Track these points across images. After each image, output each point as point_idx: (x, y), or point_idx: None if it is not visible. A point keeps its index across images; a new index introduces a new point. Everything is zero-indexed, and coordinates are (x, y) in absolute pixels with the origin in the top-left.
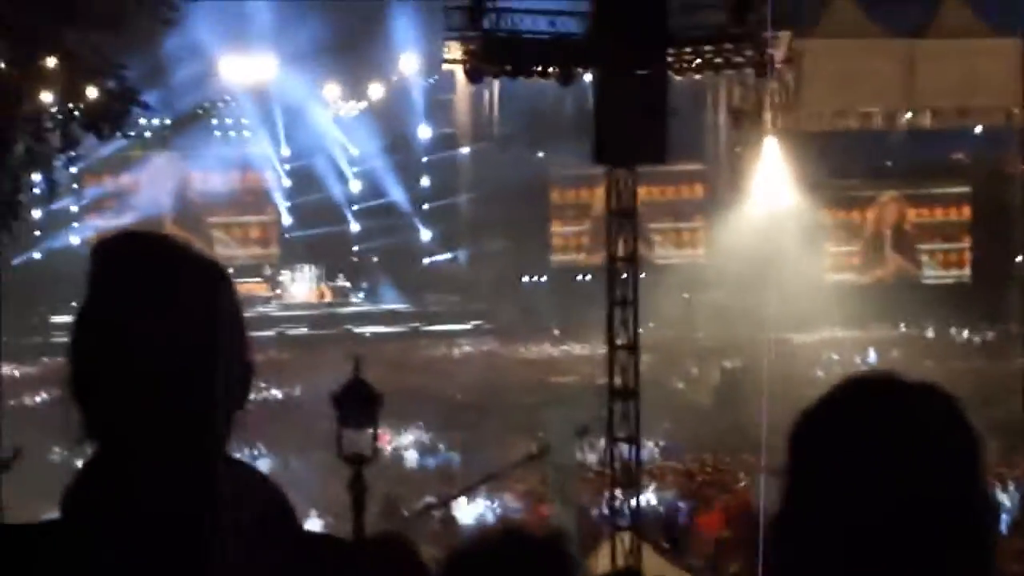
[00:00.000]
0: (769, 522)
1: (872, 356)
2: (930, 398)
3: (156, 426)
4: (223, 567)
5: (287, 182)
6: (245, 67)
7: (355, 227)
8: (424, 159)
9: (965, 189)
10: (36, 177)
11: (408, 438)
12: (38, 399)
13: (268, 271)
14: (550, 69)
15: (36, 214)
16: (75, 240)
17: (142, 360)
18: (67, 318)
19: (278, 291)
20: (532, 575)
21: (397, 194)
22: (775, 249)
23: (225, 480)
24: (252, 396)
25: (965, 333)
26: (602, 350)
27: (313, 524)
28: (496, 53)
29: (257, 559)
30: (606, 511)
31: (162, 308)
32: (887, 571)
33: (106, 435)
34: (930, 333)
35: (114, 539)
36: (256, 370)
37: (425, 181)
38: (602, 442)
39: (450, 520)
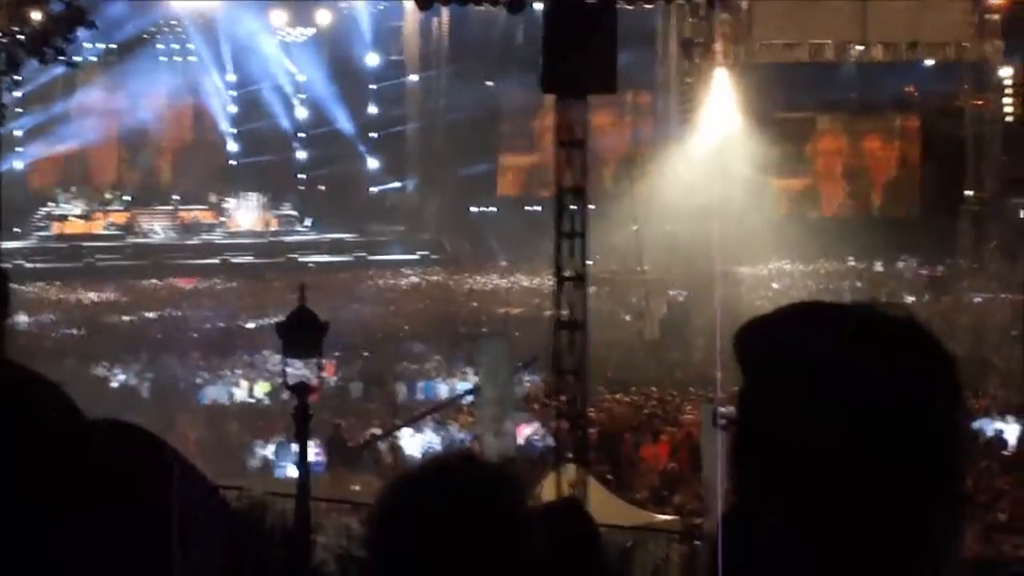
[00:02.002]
0: (731, 442)
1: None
2: (902, 319)
3: None
4: None
5: (233, 109)
6: None
7: (301, 155)
8: (372, 87)
9: (915, 123)
10: None
11: (353, 368)
12: None
13: (213, 198)
14: None
15: None
16: (19, 165)
17: None
18: (10, 244)
19: (223, 219)
20: (483, 498)
21: (344, 122)
22: (724, 181)
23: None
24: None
25: (914, 266)
26: (550, 282)
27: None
28: None
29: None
30: (552, 443)
31: None
32: (851, 485)
33: None
34: (879, 267)
35: None
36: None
37: (372, 109)
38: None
39: (396, 451)
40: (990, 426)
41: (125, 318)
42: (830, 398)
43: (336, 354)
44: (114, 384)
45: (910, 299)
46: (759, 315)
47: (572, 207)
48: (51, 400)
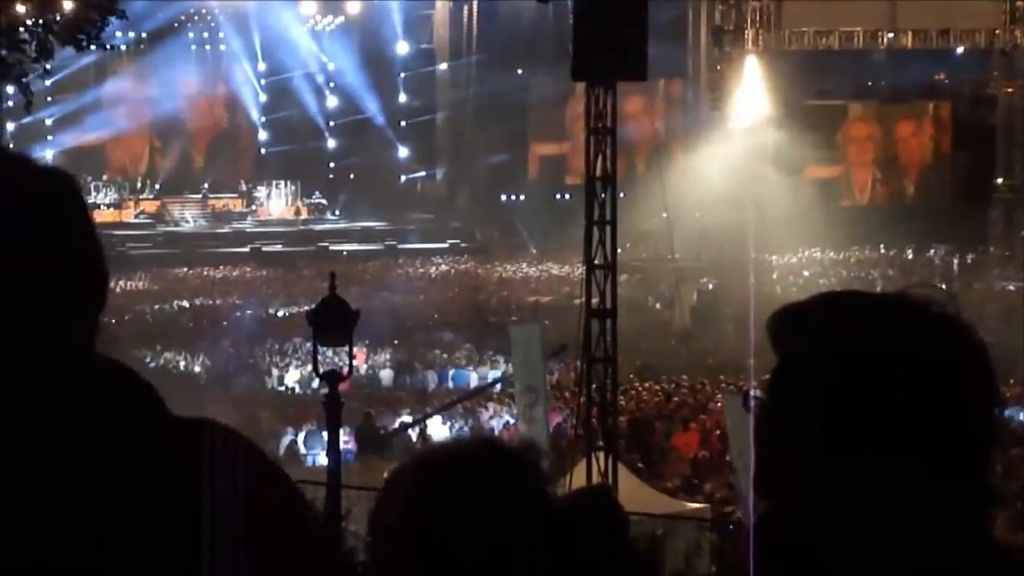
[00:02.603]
0: (757, 425)
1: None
2: (935, 309)
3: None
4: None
5: (263, 97)
6: None
7: (331, 143)
8: (402, 75)
9: (946, 110)
10: (10, 90)
11: (383, 356)
12: None
13: (244, 187)
14: None
15: (10, 127)
16: (49, 154)
17: None
18: None
19: (254, 207)
20: (504, 482)
21: (374, 110)
22: (754, 169)
23: (94, 376)
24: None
25: (944, 254)
26: (580, 270)
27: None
28: None
29: (128, 448)
30: (581, 431)
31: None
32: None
33: None
34: (910, 254)
35: None
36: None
37: (402, 98)
38: (578, 362)
39: (426, 439)
40: (1020, 414)
41: (156, 306)
42: (860, 386)
43: (366, 342)
44: (146, 372)
45: (941, 287)
46: (794, 301)
47: (602, 195)
48: (136, 394)
